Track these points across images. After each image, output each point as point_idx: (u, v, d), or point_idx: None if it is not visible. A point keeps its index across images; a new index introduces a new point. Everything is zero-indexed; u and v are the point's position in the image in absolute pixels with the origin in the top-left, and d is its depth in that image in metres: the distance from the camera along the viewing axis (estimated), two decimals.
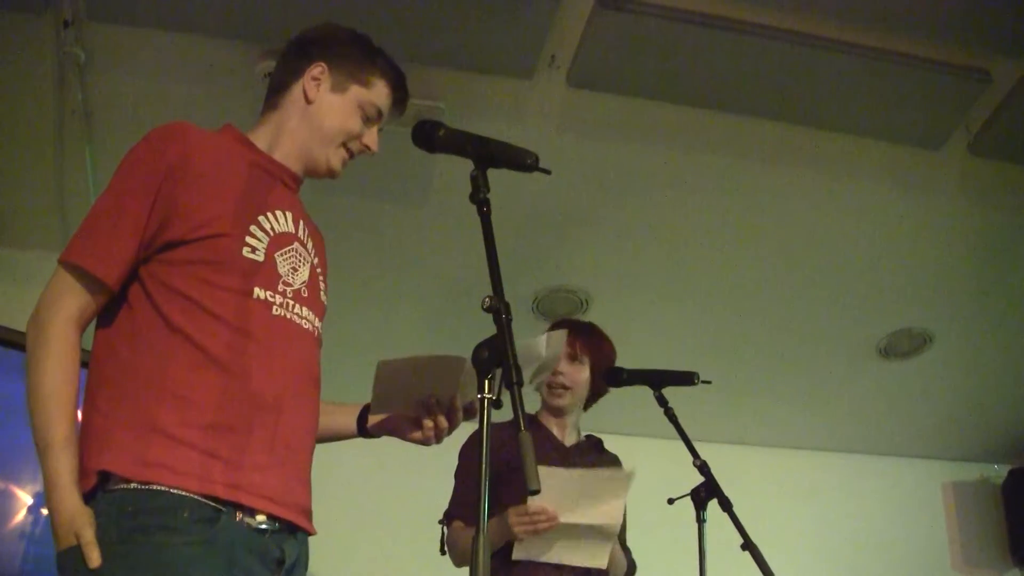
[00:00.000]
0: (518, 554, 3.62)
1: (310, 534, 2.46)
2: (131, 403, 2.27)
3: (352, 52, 2.75)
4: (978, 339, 6.38)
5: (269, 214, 2.52)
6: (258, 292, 2.43)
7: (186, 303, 2.34)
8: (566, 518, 3.56)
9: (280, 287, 2.49)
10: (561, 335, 2.58)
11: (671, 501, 3.87)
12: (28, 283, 4.90)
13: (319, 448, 2.66)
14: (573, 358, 4.00)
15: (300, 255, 2.59)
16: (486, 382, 2.19)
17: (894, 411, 6.98)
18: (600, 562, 3.72)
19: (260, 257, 2.45)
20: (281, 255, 2.52)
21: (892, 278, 5.89)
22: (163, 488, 2.17)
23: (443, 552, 3.79)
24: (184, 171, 2.41)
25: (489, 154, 2.49)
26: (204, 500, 2.19)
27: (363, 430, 2.82)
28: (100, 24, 4.39)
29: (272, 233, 2.51)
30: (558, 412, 4.00)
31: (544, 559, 3.65)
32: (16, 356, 4.24)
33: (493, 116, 4.72)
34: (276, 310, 2.46)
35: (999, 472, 7.52)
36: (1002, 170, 5.13)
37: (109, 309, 2.41)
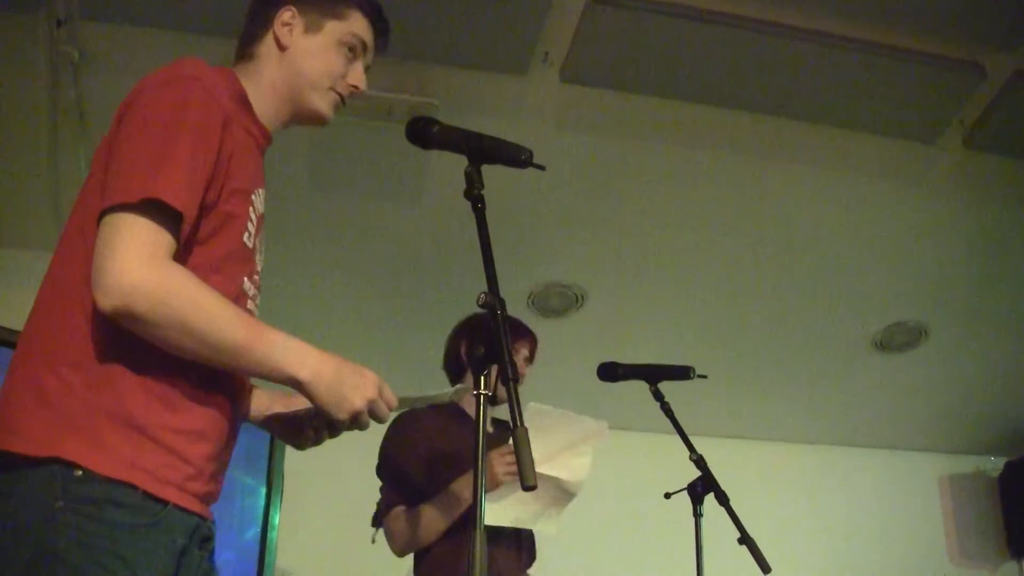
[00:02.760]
0: (493, 518, 3.59)
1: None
2: (113, 391, 2.09)
3: None
4: (974, 332, 6.40)
5: (256, 192, 2.39)
6: (245, 282, 2.35)
7: None
8: (541, 467, 3.57)
9: (254, 276, 2.41)
10: (467, 390, 2.56)
11: (668, 496, 3.86)
12: (23, 283, 4.92)
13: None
14: (529, 360, 4.00)
15: (262, 239, 2.48)
16: (482, 378, 2.21)
17: (890, 404, 7.01)
18: (551, 528, 3.75)
19: (251, 243, 2.36)
20: (259, 239, 2.43)
21: (887, 272, 5.90)
22: (132, 486, 2.07)
23: (373, 541, 3.80)
24: (229, 126, 2.26)
25: (483, 150, 2.48)
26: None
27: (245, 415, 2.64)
28: (94, 23, 4.39)
29: (256, 216, 2.39)
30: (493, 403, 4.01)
31: (504, 523, 3.66)
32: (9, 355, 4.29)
33: (487, 112, 4.73)
34: (249, 304, 2.38)
35: (996, 464, 7.56)
36: (997, 164, 5.15)
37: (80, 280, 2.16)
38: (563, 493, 3.71)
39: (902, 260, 5.83)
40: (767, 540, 3.79)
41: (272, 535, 5.60)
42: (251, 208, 2.34)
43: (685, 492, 3.84)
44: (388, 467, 3.81)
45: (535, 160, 2.50)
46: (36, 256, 4.95)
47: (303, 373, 2.15)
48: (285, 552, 5.97)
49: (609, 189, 5.33)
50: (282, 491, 5.79)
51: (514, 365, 2.15)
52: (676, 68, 4.69)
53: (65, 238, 2.28)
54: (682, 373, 4.01)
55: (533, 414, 3.64)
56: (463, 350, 3.82)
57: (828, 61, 4.64)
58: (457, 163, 2.48)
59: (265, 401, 2.63)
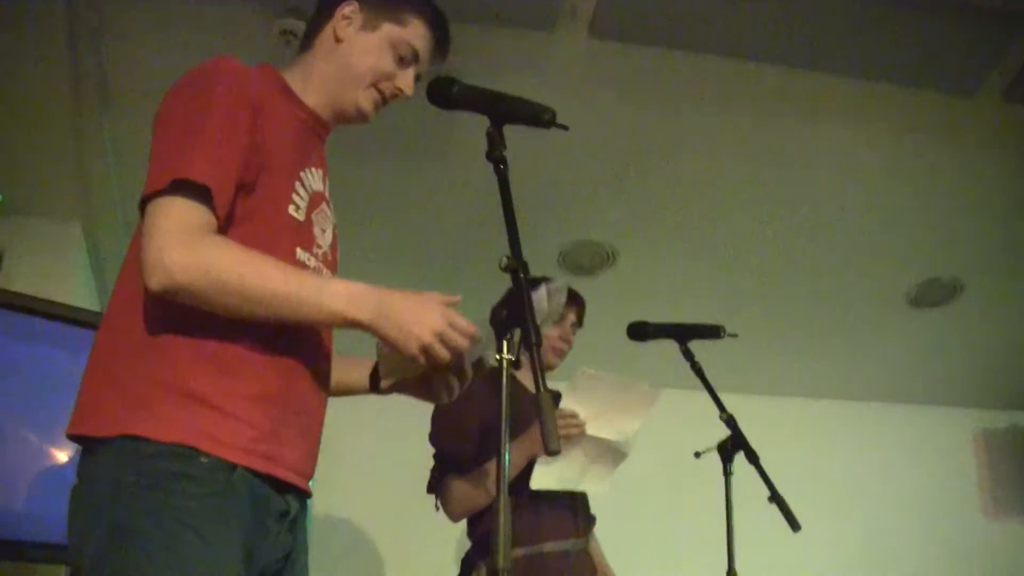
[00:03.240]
0: (537, 482, 3.66)
1: (308, 496, 2.43)
2: (169, 365, 2.17)
3: None
4: (1009, 288, 6.34)
5: (307, 170, 2.45)
6: (300, 253, 2.38)
7: None
8: (591, 429, 3.65)
9: (315, 249, 2.45)
10: (562, 290, 2.55)
11: (698, 455, 3.85)
12: (46, 250, 4.96)
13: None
14: (577, 325, 4.09)
15: (327, 216, 2.53)
16: (504, 342, 2.17)
17: (924, 360, 6.96)
18: (604, 486, 3.82)
19: (302, 216, 2.40)
20: (316, 215, 2.46)
21: (922, 227, 5.84)
22: (196, 450, 2.12)
23: (437, 508, 3.83)
24: (261, 111, 2.32)
25: (505, 110, 2.44)
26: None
27: (375, 386, 2.73)
28: None
29: (310, 191, 2.44)
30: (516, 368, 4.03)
31: (560, 487, 3.72)
32: (36, 323, 4.29)
33: (512, 71, 4.66)
34: (309, 266, 2.41)
35: None
36: None
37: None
38: (614, 453, 3.73)
39: (937, 215, 5.76)
40: (799, 497, 3.78)
41: None
42: (298, 183, 2.39)
43: (715, 451, 3.82)
44: (441, 434, 3.87)
45: (560, 120, 2.45)
46: (60, 225, 5.03)
47: (363, 314, 2.20)
48: (320, 508, 5.98)
49: (641, 146, 5.26)
50: None
51: (537, 329, 2.13)
52: (711, 21, 4.59)
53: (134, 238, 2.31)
54: (712, 332, 3.99)
55: (587, 379, 3.65)
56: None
57: (864, 11, 4.54)
58: (483, 123, 2.44)
59: (360, 369, 2.72)
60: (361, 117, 2.60)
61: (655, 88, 4.94)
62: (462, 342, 2.24)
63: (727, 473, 3.79)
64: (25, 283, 4.56)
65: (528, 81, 4.58)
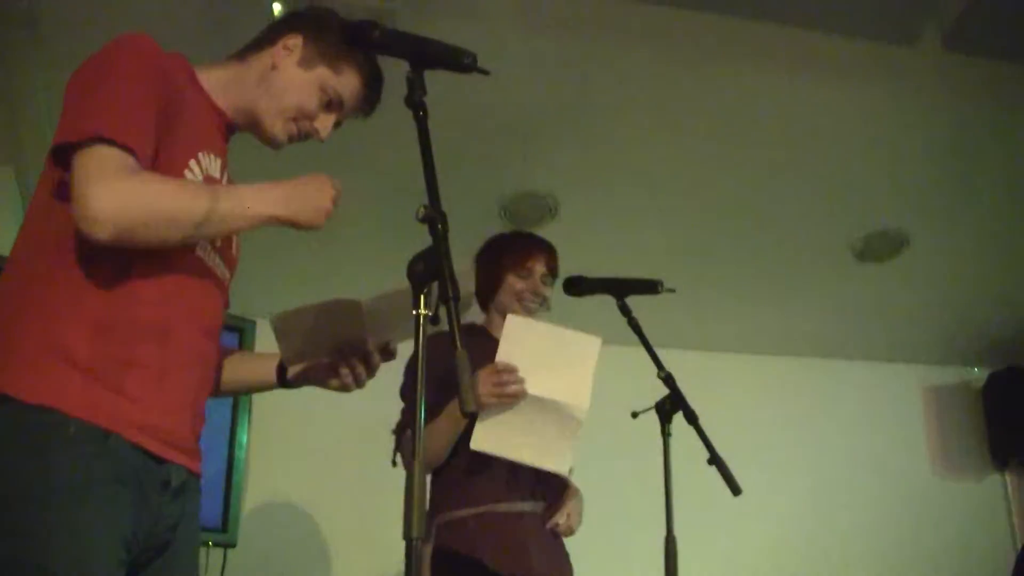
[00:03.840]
0: (477, 443, 3.56)
1: (197, 476, 2.44)
2: (43, 323, 2.19)
3: (334, 36, 2.65)
4: (956, 240, 6.30)
5: (203, 154, 2.46)
6: None
7: None
8: (533, 388, 3.52)
9: None
10: (467, 275, 2.50)
11: (635, 415, 3.74)
12: None
13: None
14: (548, 275, 3.98)
15: None
16: (421, 297, 2.11)
17: (871, 315, 6.95)
18: (561, 465, 3.68)
19: None
20: None
21: (866, 180, 5.79)
22: (62, 413, 2.11)
23: (394, 464, 3.72)
24: (171, 85, 2.37)
25: (425, 54, 2.39)
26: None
27: (283, 380, 2.77)
28: None
29: (205, 173, 2.45)
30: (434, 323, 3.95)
31: (503, 454, 3.61)
32: None
33: (449, 16, 4.55)
34: (198, 251, 2.43)
35: (979, 375, 7.54)
36: (978, 65, 4.98)
37: (38, 215, 2.34)
38: (567, 420, 3.59)
39: (881, 168, 5.70)
40: (743, 457, 3.72)
41: (240, 454, 5.52)
42: (193, 160, 2.41)
43: (653, 411, 3.73)
44: (406, 387, 3.76)
45: (495, 66, 2.43)
46: None
47: (278, 209, 2.35)
48: (256, 476, 5.91)
49: (577, 94, 5.16)
50: (250, 408, 5.71)
51: (455, 283, 2.05)
52: None
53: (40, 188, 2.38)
54: (650, 287, 3.90)
55: (515, 327, 3.55)
56: (481, 276, 3.94)
57: None
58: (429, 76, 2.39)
59: (266, 364, 2.79)
60: (271, 143, 2.68)
61: (594, 36, 4.84)
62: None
63: (665, 434, 3.70)
64: None
65: (464, 27, 4.49)
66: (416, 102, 2.32)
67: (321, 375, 2.72)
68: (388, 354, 2.69)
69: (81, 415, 2.11)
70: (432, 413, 3.60)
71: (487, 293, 3.97)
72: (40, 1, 4.46)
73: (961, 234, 6.25)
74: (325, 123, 2.67)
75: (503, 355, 3.53)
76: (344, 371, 2.66)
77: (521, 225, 5.67)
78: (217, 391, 2.72)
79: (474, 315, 3.96)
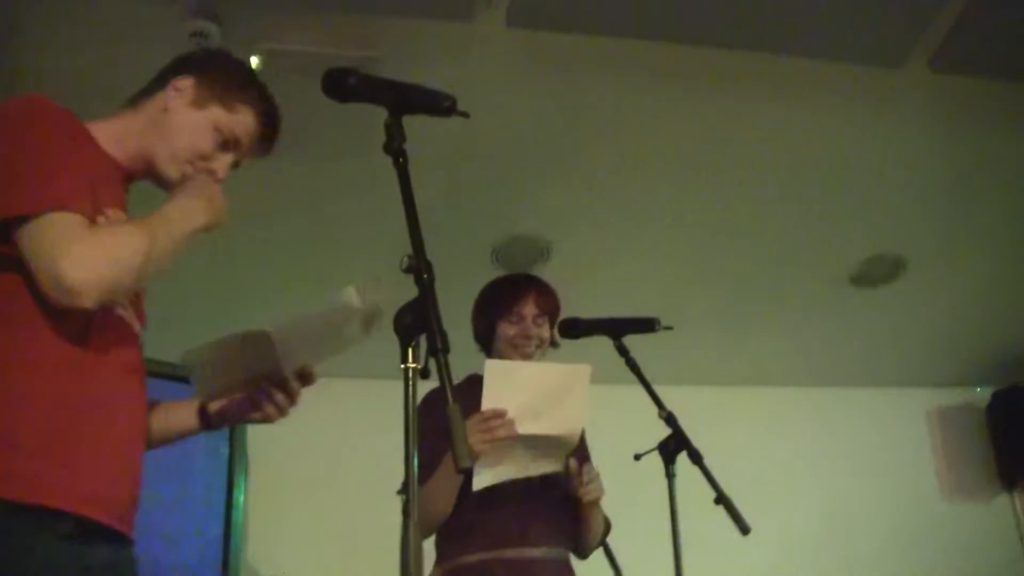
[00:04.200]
0: (478, 483, 3.45)
1: (129, 540, 2.38)
2: None
3: (226, 75, 2.64)
4: (953, 261, 6.30)
5: (109, 211, 2.38)
6: None
7: (34, 292, 2.19)
8: (524, 428, 3.40)
9: None
10: (375, 286, 2.42)
11: (637, 457, 3.67)
12: None
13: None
14: (540, 316, 3.85)
15: None
16: (409, 350, 2.05)
17: (871, 340, 6.91)
18: (556, 466, 3.58)
19: None
20: None
21: (861, 205, 5.78)
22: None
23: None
24: (77, 144, 2.34)
25: (403, 99, 2.34)
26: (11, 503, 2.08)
27: (206, 422, 2.70)
28: None
29: None
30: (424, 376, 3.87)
31: (506, 477, 3.51)
32: None
33: (433, 62, 4.55)
34: (118, 310, 2.38)
35: (983, 395, 7.49)
36: (966, 85, 4.97)
37: None
38: (559, 446, 3.53)
39: (875, 192, 5.69)
40: (751, 491, 3.66)
41: (237, 517, 5.46)
42: (102, 219, 2.32)
43: (656, 452, 3.65)
44: (420, 439, 3.66)
45: (482, 111, 2.44)
46: None
47: (198, 219, 2.40)
48: (255, 538, 5.83)
49: (569, 135, 5.16)
50: (247, 469, 5.65)
51: (443, 334, 2.00)
52: (624, 4, 4.47)
53: None
54: (647, 326, 3.84)
55: (496, 372, 3.48)
56: (478, 326, 3.87)
57: None
58: (415, 119, 2.34)
59: (188, 409, 2.70)
60: (167, 187, 2.59)
61: (580, 74, 4.84)
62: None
63: (670, 475, 3.63)
64: None
65: (448, 72, 4.43)
66: (395, 149, 2.27)
67: (242, 411, 2.65)
68: (306, 379, 2.62)
69: (15, 496, 2.06)
70: (435, 465, 3.53)
71: (486, 343, 3.89)
72: (19, 57, 4.48)
73: (957, 255, 6.25)
74: (222, 163, 2.61)
75: (488, 401, 3.43)
76: (263, 402, 2.59)
77: (514, 270, 5.63)
78: (148, 444, 2.64)
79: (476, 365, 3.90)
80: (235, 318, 2.62)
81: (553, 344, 3.89)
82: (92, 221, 2.21)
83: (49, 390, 2.18)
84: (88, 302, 2.11)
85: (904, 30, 4.68)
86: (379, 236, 4.57)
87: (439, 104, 2.33)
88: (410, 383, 2.04)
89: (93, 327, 2.26)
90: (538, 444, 3.48)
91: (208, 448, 5.45)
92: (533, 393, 3.45)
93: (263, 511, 5.83)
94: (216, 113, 2.57)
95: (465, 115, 2.32)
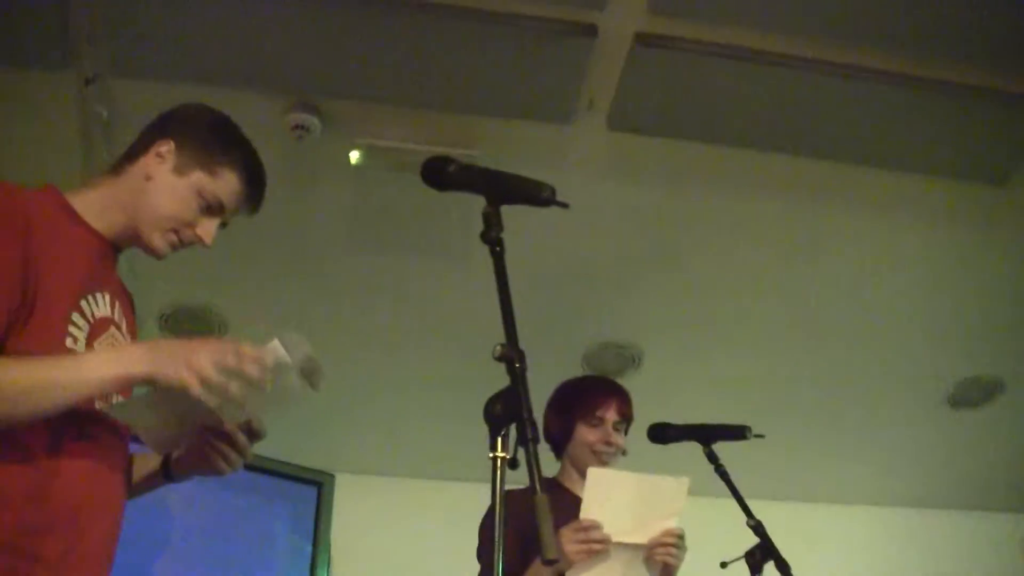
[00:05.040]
0: None
1: None
2: None
3: (207, 137, 2.60)
4: None
5: (89, 297, 2.40)
6: None
7: None
8: (620, 536, 3.39)
9: None
10: (296, 338, 2.36)
11: (724, 565, 3.63)
12: None
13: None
14: (620, 423, 3.85)
15: (116, 340, 2.47)
16: (499, 440, 2.02)
17: (966, 463, 6.75)
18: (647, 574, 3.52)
19: (81, 347, 2.33)
20: (100, 342, 2.40)
21: (958, 324, 5.70)
22: None
23: None
24: (37, 240, 2.27)
25: (501, 189, 2.36)
26: None
27: (168, 475, 2.68)
28: (123, 79, 4.32)
29: (92, 320, 2.38)
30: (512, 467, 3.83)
31: None
32: None
33: (531, 164, 4.46)
34: (98, 403, 2.32)
35: None
36: None
37: None
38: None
39: (973, 311, 5.61)
40: None
41: None
42: (76, 313, 2.34)
43: (743, 560, 3.59)
44: (484, 549, 3.63)
45: (582, 216, 2.38)
46: None
47: (136, 366, 2.18)
48: None
49: (663, 241, 5.17)
50: (330, 554, 5.65)
51: (534, 424, 1.96)
52: (726, 112, 4.51)
53: None
54: (737, 433, 3.81)
55: (598, 479, 3.45)
56: (552, 425, 3.84)
57: (886, 101, 4.44)
58: (507, 218, 2.32)
59: (152, 463, 2.68)
60: (154, 255, 2.59)
61: (678, 180, 4.86)
62: (254, 372, 2.18)
63: None
64: None
65: (546, 174, 4.42)
66: (493, 238, 2.26)
67: (196, 463, 2.60)
68: (253, 435, 2.54)
69: None
70: (518, 568, 3.49)
71: (560, 443, 3.87)
72: (119, 152, 4.51)
73: None
74: (207, 228, 2.59)
75: (588, 507, 3.42)
76: (212, 456, 2.53)
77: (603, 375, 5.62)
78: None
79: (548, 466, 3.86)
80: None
81: (623, 452, 3.86)
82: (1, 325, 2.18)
83: (24, 487, 2.17)
84: None
85: (1009, 146, 4.66)
86: (472, 329, 4.62)
87: (538, 194, 2.34)
88: (498, 472, 2.00)
89: (72, 426, 2.26)
90: (629, 553, 3.45)
91: (291, 545, 5.46)
92: (632, 502, 3.45)
93: None
94: (198, 178, 2.55)
95: (565, 205, 2.31)
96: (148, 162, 2.53)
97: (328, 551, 5.63)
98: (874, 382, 6.05)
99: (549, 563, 1.86)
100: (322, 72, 4.33)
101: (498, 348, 2.07)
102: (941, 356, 5.92)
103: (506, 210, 2.33)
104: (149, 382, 2.18)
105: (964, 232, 5.12)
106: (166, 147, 2.54)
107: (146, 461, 2.68)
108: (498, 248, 2.26)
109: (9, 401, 2.10)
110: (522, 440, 1.96)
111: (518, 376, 2.04)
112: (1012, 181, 4.81)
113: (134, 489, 2.65)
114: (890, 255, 5.27)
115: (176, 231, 2.55)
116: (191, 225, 2.56)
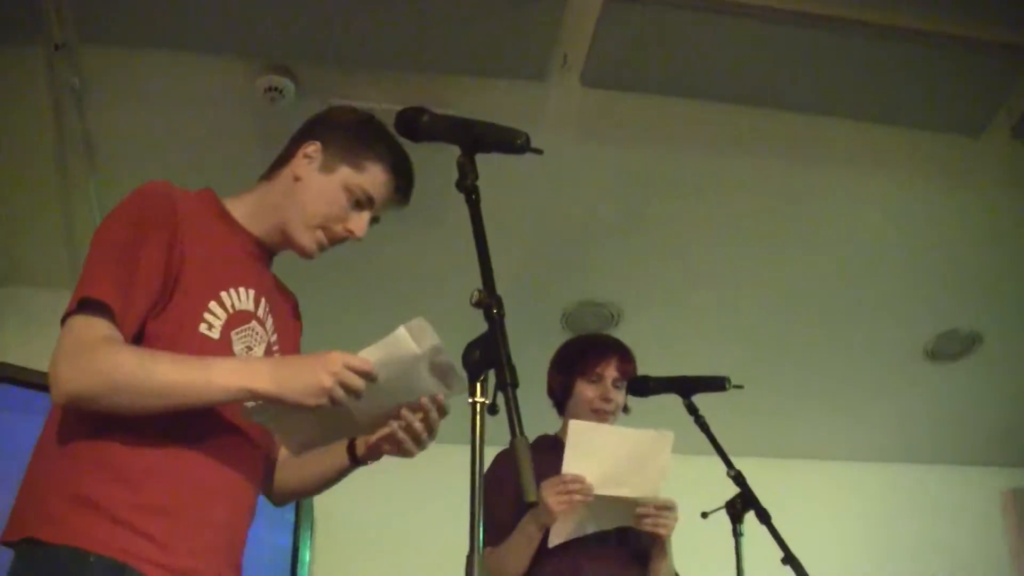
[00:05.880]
0: (554, 540, 3.47)
1: None
2: (71, 472, 2.25)
3: (351, 134, 2.68)
4: None
5: (232, 290, 2.48)
6: None
7: None
8: (603, 489, 3.43)
9: None
10: (421, 325, 2.34)
11: (705, 515, 3.66)
12: (39, 321, 4.87)
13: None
14: (620, 380, 3.85)
15: (256, 334, 2.54)
16: (478, 385, 2.01)
17: (945, 417, 6.78)
18: (630, 522, 3.54)
19: (216, 335, 2.41)
20: (237, 333, 2.47)
21: (936, 276, 5.71)
22: (84, 550, 2.17)
23: None
24: (183, 233, 2.39)
25: (475, 137, 2.34)
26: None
27: (354, 459, 2.71)
28: (93, 46, 4.31)
29: (231, 310, 2.46)
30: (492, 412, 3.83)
31: (582, 532, 3.51)
32: (31, 395, 4.22)
33: (507, 122, 4.50)
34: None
35: None
36: None
37: None
38: (636, 506, 3.50)
39: (951, 264, 5.62)
40: (815, 563, 3.57)
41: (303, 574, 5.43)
42: (214, 302, 2.43)
43: (723, 511, 3.63)
44: (487, 498, 3.62)
45: (558, 171, 2.38)
46: (51, 294, 4.92)
47: (260, 383, 2.21)
48: None
49: (640, 198, 5.16)
50: (312, 529, 5.63)
51: (513, 369, 1.96)
52: (703, 66, 4.49)
53: None
54: (716, 384, 3.83)
55: (580, 433, 3.46)
56: (554, 382, 3.87)
57: (864, 52, 4.43)
58: (484, 178, 2.31)
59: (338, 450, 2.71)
60: (303, 255, 2.68)
61: (653, 136, 4.85)
62: (359, 383, 2.23)
63: (737, 534, 3.61)
64: (17, 353, 4.61)
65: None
66: (468, 186, 2.26)
67: (387, 447, 2.61)
68: (441, 410, 2.50)
69: (100, 550, 2.15)
70: (507, 531, 3.52)
71: (561, 400, 3.88)
72: (94, 120, 4.60)
73: None
74: (358, 223, 2.66)
75: (569, 462, 3.43)
76: (405, 440, 2.51)
77: (583, 334, 5.62)
78: (282, 499, 2.84)
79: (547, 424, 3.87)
80: None
81: (625, 410, 3.87)
82: (139, 314, 2.28)
83: (131, 466, 2.24)
84: (58, 400, 2.19)
85: (986, 99, 4.65)
86: (448, 275, 4.63)
87: (512, 141, 2.33)
88: (478, 418, 2.00)
89: (193, 414, 2.29)
90: (615, 503, 3.48)
91: (274, 509, 5.44)
92: (615, 456, 3.48)
93: (328, 572, 5.80)
94: (346, 174, 2.62)
95: (539, 151, 2.33)
96: (296, 164, 2.63)
97: (312, 512, 5.62)
98: (851, 336, 6.06)
99: (531, 506, 1.86)
100: (294, 35, 4.31)
101: (476, 293, 2.07)
102: (919, 309, 5.93)
103: (483, 169, 2.32)
104: (275, 402, 2.23)
105: (940, 185, 5.12)
106: (312, 148, 2.64)
107: (320, 455, 2.71)
108: (473, 196, 2.25)
109: (155, 396, 2.19)
110: (500, 385, 1.95)
111: (496, 321, 2.03)
112: (987, 133, 4.81)
113: (311, 485, 2.79)
114: (865, 209, 5.27)
115: (324, 228, 2.62)
116: (341, 220, 2.63)
